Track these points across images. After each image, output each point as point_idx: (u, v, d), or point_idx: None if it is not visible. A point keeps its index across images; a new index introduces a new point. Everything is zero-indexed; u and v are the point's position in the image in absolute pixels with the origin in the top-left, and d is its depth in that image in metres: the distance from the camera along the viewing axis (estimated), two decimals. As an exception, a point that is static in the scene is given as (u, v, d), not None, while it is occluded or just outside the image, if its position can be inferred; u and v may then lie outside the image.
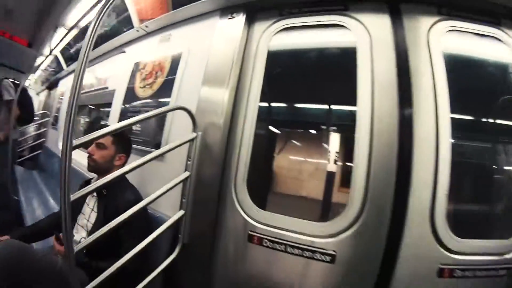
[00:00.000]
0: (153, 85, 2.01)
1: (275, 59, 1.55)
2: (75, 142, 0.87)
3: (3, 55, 6.21)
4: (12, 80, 3.52)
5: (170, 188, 1.28)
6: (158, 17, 2.13)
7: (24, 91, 3.76)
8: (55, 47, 4.39)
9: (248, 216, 1.37)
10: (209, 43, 1.66)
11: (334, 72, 1.57)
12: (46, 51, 4.68)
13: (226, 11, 1.67)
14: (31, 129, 5.58)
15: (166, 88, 1.87)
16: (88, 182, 1.73)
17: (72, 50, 4.00)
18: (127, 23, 2.48)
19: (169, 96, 1.82)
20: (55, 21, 3.56)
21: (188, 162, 1.42)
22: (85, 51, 0.91)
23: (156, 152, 1.24)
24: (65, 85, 4.70)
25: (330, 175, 1.42)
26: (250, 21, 1.61)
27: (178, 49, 1.91)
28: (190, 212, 1.41)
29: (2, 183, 3.14)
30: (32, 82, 8.24)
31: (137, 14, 2.35)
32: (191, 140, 1.41)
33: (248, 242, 1.35)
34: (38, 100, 8.47)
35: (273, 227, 1.31)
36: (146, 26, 2.28)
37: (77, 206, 1.61)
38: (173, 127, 1.74)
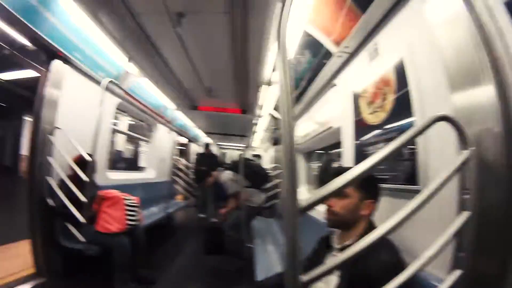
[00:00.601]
0: (384, 106, 1.98)
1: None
2: (302, 204, 0.83)
3: (229, 127, 8.52)
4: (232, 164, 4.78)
5: (446, 244, 1.05)
6: (351, 30, 2.25)
7: (249, 163, 4.94)
8: (264, 106, 5.50)
9: None
10: (430, 30, 1.51)
11: None
12: (259, 112, 5.95)
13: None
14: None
15: (403, 103, 1.78)
16: (326, 238, 1.74)
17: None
18: (325, 54, 2.75)
19: (409, 112, 1.72)
20: (255, 82, 4.52)
21: (466, 196, 1.17)
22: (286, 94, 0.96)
23: (427, 192, 1.03)
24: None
25: None
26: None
27: (395, 56, 1.87)
28: (470, 271, 1.13)
29: (237, 237, 4.14)
30: (258, 143, 10.71)
31: (330, 39, 2.56)
32: (464, 164, 1.16)
33: None
34: (269, 156, 10.91)
35: None
36: (346, 47, 2.41)
37: (315, 265, 1.66)
38: (428, 149, 1.60)
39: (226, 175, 4.72)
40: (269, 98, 5.06)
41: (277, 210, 5.90)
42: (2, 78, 8.03)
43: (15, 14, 2.46)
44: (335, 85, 2.92)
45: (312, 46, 2.84)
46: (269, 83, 4.23)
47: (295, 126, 0.97)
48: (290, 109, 0.95)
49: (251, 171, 4.50)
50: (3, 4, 2.33)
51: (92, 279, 3.42)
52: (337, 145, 2.87)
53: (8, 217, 4.72)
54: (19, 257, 3.25)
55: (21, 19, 2.54)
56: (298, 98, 3.91)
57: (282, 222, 4.59)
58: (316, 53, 2.86)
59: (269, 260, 3.38)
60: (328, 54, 2.70)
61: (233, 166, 4.72)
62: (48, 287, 2.98)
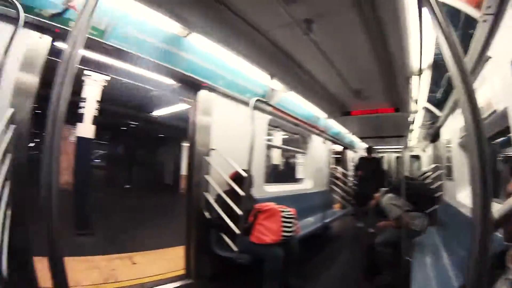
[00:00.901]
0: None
1: None
2: (495, 216, 0.67)
3: (383, 129, 8.07)
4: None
5: None
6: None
7: (412, 183, 4.55)
8: (417, 100, 4.97)
9: None
10: None
11: None
12: (413, 107, 5.40)
13: None
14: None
15: None
16: (500, 254, 1.49)
17: (439, 95, 4.32)
18: (467, 23, 2.36)
19: None
20: (403, 74, 4.10)
21: None
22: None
23: None
24: (448, 132, 5.00)
25: None
26: None
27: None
28: None
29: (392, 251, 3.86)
30: (415, 142, 9.81)
31: (468, 3, 2.22)
32: None
33: None
34: (426, 156, 9.90)
35: None
36: (488, 7, 2.02)
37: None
38: None
39: (387, 199, 4.42)
40: (421, 89, 4.54)
41: (438, 218, 5.23)
42: (159, 114, 10.21)
43: (155, 61, 2.99)
44: (490, 57, 2.41)
45: (450, 16, 2.43)
46: (419, 72, 3.82)
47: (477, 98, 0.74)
48: (463, 65, 0.76)
49: (414, 193, 4.20)
50: (143, 56, 2.86)
51: (239, 285, 3.70)
52: (498, 134, 2.32)
53: (167, 227, 5.52)
54: (172, 260, 3.91)
55: (161, 63, 3.07)
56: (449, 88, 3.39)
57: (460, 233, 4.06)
58: (456, 24, 2.45)
59: (426, 275, 3.08)
60: (471, 22, 2.32)
61: (395, 188, 4.43)
62: (194, 288, 3.42)
